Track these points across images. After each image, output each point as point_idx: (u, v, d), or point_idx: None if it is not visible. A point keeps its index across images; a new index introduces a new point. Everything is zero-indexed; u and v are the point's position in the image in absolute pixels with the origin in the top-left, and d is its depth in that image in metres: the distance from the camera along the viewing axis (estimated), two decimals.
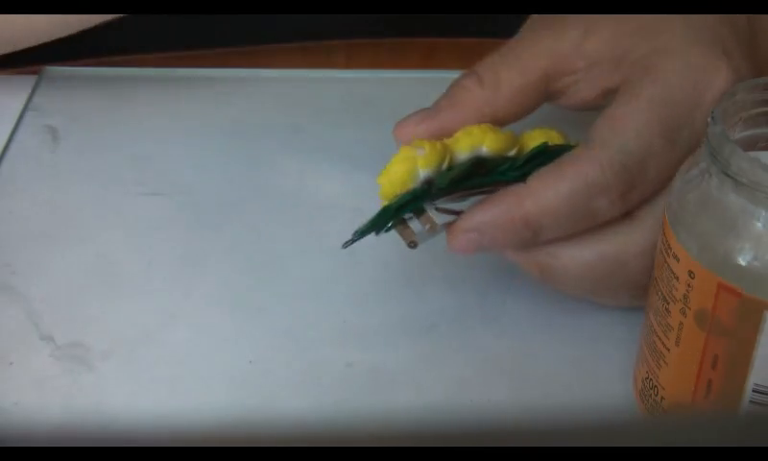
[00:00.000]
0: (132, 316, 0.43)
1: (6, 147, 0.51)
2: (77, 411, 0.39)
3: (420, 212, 0.39)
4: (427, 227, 0.39)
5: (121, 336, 0.42)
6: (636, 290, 0.40)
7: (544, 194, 0.38)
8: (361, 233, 0.39)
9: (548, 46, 0.40)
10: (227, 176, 0.50)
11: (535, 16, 0.42)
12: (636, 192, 0.38)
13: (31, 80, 0.55)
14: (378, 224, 0.39)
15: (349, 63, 0.57)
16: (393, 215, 0.39)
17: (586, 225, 0.39)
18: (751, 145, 0.35)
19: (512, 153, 0.40)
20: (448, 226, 0.40)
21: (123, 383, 0.40)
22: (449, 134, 0.39)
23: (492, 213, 0.38)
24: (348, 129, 0.52)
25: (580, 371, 0.41)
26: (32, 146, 0.52)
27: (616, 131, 0.38)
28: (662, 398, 0.36)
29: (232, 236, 0.47)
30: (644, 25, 0.39)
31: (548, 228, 0.38)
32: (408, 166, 0.38)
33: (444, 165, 0.39)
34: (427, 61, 0.56)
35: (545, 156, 0.39)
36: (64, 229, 0.47)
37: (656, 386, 0.37)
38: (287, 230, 0.47)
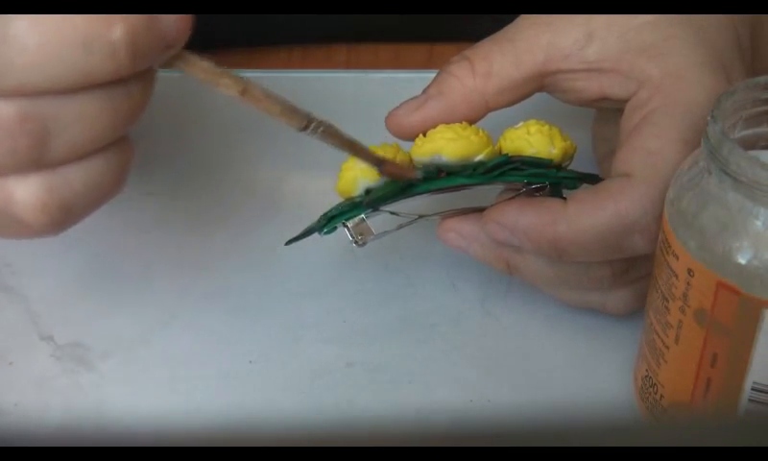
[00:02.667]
0: (131, 316, 0.43)
1: None
2: (77, 411, 0.39)
3: (357, 219, 0.41)
4: (359, 236, 0.41)
5: (121, 336, 0.42)
6: (595, 292, 0.41)
7: (580, 223, 0.37)
8: (303, 234, 0.42)
9: (548, 42, 0.40)
10: (226, 176, 0.50)
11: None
12: None
13: None
14: (317, 227, 0.42)
15: (349, 64, 0.57)
16: (326, 223, 0.41)
17: (613, 257, 0.39)
18: (750, 144, 0.35)
19: (479, 157, 0.40)
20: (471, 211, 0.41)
21: (123, 383, 0.41)
22: (437, 124, 0.40)
23: (526, 221, 0.38)
24: (348, 129, 0.52)
25: (580, 370, 0.41)
26: None
27: (657, 166, 0.37)
28: (662, 396, 0.36)
29: (232, 236, 0.47)
30: (653, 42, 0.39)
31: (575, 254, 0.38)
32: (350, 175, 0.40)
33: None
34: (427, 65, 0.56)
35: (511, 164, 0.40)
36: None
37: (655, 384, 0.37)
38: (287, 230, 0.47)
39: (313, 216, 0.44)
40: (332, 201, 0.47)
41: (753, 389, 0.34)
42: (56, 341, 0.42)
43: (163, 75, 0.56)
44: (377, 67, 0.57)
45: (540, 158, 0.40)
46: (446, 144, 0.39)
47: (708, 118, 0.33)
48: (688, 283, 0.33)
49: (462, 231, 0.41)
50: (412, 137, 0.41)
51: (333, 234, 0.42)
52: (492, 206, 0.40)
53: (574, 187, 0.41)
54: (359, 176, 0.40)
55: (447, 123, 0.40)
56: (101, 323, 0.43)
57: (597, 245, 0.38)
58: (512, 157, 0.40)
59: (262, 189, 0.49)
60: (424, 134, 0.40)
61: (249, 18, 0.55)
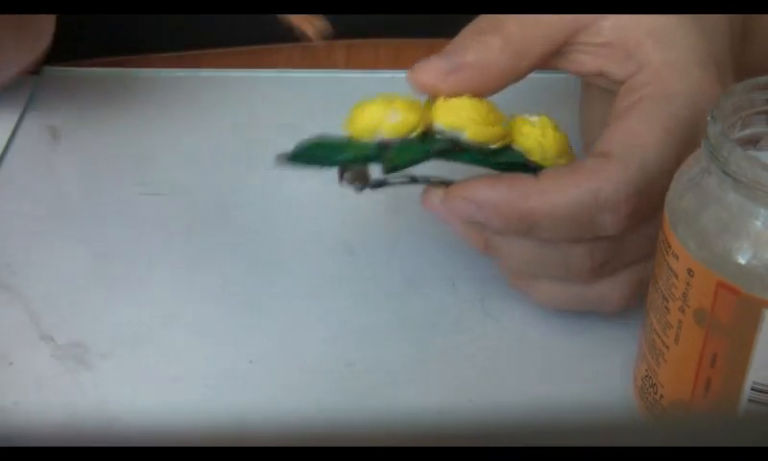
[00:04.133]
0: (131, 316, 0.43)
1: (6, 147, 0.51)
2: (77, 411, 0.39)
3: (360, 166, 0.40)
4: (357, 183, 0.40)
5: (121, 336, 0.42)
6: (578, 284, 0.40)
7: (552, 197, 0.37)
8: (300, 157, 0.41)
9: (573, 18, 0.40)
10: (227, 176, 0.50)
11: None
12: (640, 214, 0.38)
13: (31, 80, 0.55)
14: (321, 159, 0.40)
15: (349, 64, 0.57)
16: (333, 163, 0.40)
17: (583, 234, 0.39)
18: (750, 144, 0.35)
19: (495, 146, 0.39)
20: (429, 186, 0.40)
21: (123, 383, 0.41)
22: (465, 94, 0.39)
23: (497, 195, 0.38)
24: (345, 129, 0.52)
25: (580, 370, 0.41)
26: (32, 146, 0.52)
27: (637, 149, 0.37)
28: (662, 396, 0.36)
29: (232, 236, 0.47)
30: (662, 28, 0.39)
31: (545, 228, 0.38)
32: (371, 123, 0.39)
33: (414, 134, 0.39)
34: None
35: (526, 168, 0.39)
36: (64, 228, 0.47)
37: (655, 384, 0.37)
38: (287, 230, 0.47)
39: (313, 216, 0.44)
40: (333, 201, 0.48)
41: (753, 389, 0.34)
42: (56, 341, 0.42)
43: (165, 74, 0.57)
44: (377, 67, 0.57)
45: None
46: (471, 125, 0.38)
47: (708, 118, 0.33)
48: (688, 283, 0.33)
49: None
50: (431, 95, 0.39)
51: (334, 237, 0.42)
52: (458, 182, 0.39)
53: None
54: (384, 130, 0.38)
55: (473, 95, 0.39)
56: (101, 323, 0.43)
57: (568, 220, 0.37)
58: (528, 162, 0.39)
59: (262, 189, 0.49)
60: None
61: (249, 18, 0.55)
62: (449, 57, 0.39)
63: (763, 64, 0.44)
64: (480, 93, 0.39)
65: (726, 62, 0.39)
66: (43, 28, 0.43)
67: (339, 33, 0.58)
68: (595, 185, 0.37)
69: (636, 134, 0.37)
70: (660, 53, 0.39)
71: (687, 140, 0.38)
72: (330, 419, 0.39)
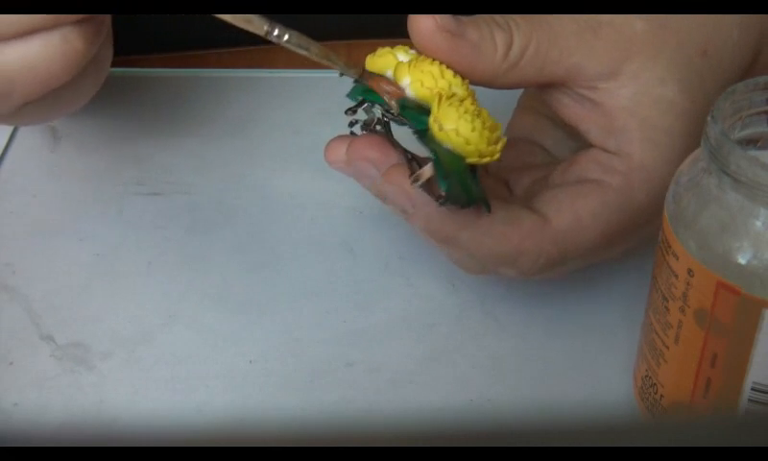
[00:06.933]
0: (132, 316, 0.43)
1: (6, 147, 0.51)
2: (77, 411, 0.39)
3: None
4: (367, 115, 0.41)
5: (121, 336, 0.42)
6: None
7: (480, 239, 0.38)
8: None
9: (574, 64, 0.38)
10: (227, 176, 0.50)
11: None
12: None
13: None
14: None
15: (349, 64, 0.57)
16: (359, 93, 0.40)
17: (487, 265, 0.40)
18: (750, 144, 0.35)
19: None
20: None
21: (123, 383, 0.41)
22: (448, 66, 0.38)
23: (435, 211, 0.37)
24: (347, 129, 0.52)
25: (580, 370, 0.41)
26: (32, 146, 0.52)
27: (572, 238, 0.38)
28: (662, 396, 0.36)
29: (232, 236, 0.47)
30: (657, 124, 0.38)
31: (460, 250, 0.39)
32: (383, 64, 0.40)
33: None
34: None
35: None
36: (65, 228, 0.47)
37: (655, 384, 0.37)
38: (287, 230, 0.47)
39: (313, 216, 0.44)
40: (333, 201, 0.48)
41: (753, 389, 0.34)
42: (56, 341, 0.42)
43: (166, 74, 0.56)
44: None
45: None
46: (473, 155, 0.36)
47: (708, 118, 0.33)
48: (688, 283, 0.33)
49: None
50: (420, 46, 0.38)
51: (334, 237, 0.42)
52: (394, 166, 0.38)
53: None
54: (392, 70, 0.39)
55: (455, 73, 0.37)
56: (101, 323, 0.43)
57: (484, 255, 0.39)
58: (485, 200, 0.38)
59: (262, 189, 0.49)
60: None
61: None
62: (455, 20, 0.38)
63: None
64: (463, 74, 0.38)
65: None
66: (104, 56, 0.43)
67: (339, 33, 0.58)
68: (524, 247, 0.38)
69: (582, 228, 0.38)
70: (642, 151, 0.38)
71: (632, 227, 0.39)
72: (330, 419, 0.39)
